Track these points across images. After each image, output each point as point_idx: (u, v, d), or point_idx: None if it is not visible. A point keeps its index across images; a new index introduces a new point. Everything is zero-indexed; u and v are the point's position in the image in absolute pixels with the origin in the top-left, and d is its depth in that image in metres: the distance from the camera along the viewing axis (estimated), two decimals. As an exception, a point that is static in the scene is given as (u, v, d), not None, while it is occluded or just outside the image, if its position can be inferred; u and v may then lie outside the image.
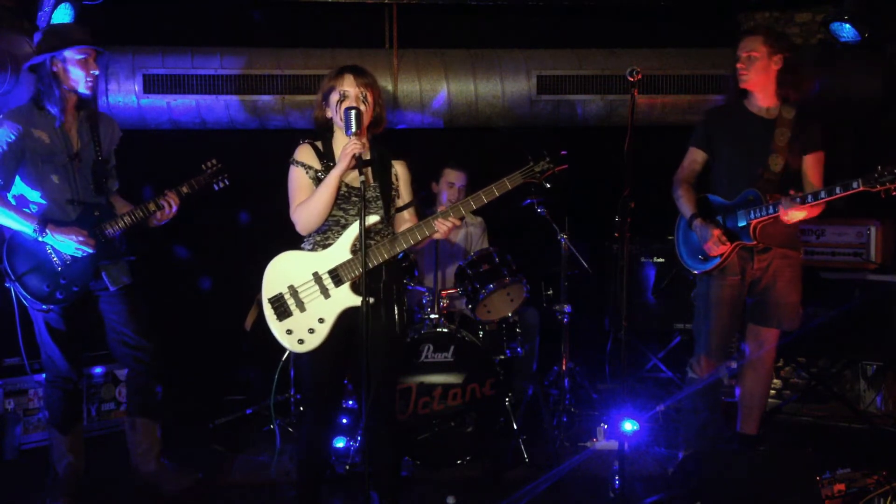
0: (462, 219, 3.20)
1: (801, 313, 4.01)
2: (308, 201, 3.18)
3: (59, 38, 3.63)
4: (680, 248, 4.11)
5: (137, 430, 3.90)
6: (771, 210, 3.70)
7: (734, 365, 4.78)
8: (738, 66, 3.87)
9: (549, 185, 3.25)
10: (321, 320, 3.17)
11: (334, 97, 3.21)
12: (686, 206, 3.98)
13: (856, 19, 5.02)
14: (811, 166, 3.88)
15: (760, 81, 3.86)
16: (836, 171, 3.77)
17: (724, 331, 3.99)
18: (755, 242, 3.81)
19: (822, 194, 3.57)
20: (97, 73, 3.68)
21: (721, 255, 3.84)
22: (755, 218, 3.76)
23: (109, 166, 3.82)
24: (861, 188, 3.45)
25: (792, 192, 3.65)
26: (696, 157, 4.06)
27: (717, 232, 3.81)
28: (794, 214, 3.64)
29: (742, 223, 3.82)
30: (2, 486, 4.09)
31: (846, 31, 5.10)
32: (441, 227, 3.16)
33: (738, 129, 3.93)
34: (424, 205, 4.58)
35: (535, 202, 4.80)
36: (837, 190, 3.53)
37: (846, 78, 5.35)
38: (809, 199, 3.59)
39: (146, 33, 5.39)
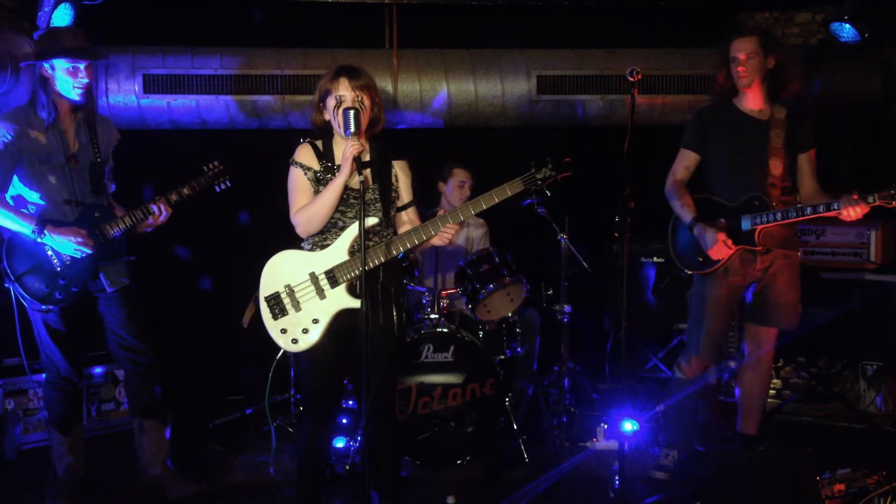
0: (461, 222, 3.19)
1: (800, 312, 4.01)
2: (309, 206, 3.17)
3: (51, 43, 3.60)
4: (674, 249, 4.09)
5: (145, 432, 3.89)
6: (775, 216, 3.73)
7: (733, 365, 4.78)
8: (739, 68, 3.85)
9: (549, 194, 3.18)
10: (315, 321, 3.17)
11: (331, 102, 3.19)
12: (685, 210, 3.96)
13: (856, 19, 5.01)
14: (806, 164, 3.90)
15: (757, 82, 3.87)
16: (836, 171, 3.77)
17: (719, 332, 4.01)
18: (759, 247, 3.83)
19: (870, 199, 3.58)
20: (87, 81, 3.62)
21: (723, 258, 3.84)
22: (761, 223, 3.78)
23: (107, 168, 3.81)
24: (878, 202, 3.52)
25: (855, 196, 3.62)
26: (687, 159, 4.05)
27: (721, 236, 3.80)
28: (853, 213, 3.61)
29: (747, 227, 3.83)
30: (2, 486, 4.09)
31: (846, 31, 5.10)
32: (444, 235, 3.16)
33: (734, 129, 3.93)
34: (425, 205, 4.58)
35: (535, 202, 4.81)
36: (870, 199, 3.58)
37: (846, 78, 5.35)
38: (870, 200, 3.57)
39: (146, 33, 5.37)
